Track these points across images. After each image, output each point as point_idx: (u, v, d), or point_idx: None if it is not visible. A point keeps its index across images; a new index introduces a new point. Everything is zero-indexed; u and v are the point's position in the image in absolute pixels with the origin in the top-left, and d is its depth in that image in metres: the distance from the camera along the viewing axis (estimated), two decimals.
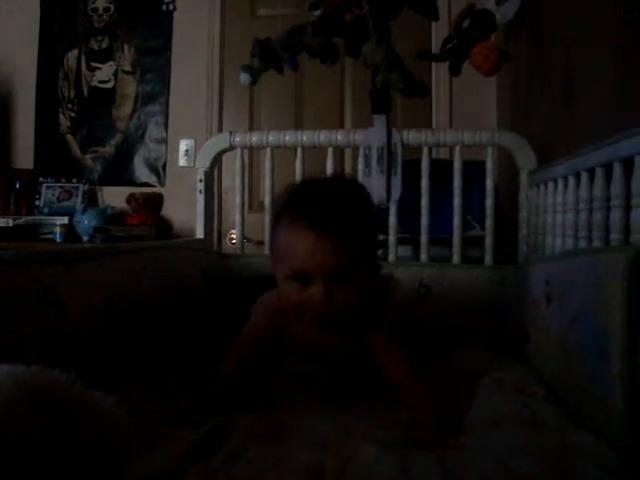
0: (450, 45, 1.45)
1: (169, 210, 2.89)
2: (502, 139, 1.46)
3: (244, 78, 1.52)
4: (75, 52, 2.99)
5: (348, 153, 2.56)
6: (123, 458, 0.51)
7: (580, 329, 0.77)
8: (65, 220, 2.67)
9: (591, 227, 1.03)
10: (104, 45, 2.97)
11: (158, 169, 2.91)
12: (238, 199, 1.61)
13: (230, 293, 1.34)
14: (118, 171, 2.94)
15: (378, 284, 0.99)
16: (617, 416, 0.64)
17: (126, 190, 2.85)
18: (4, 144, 3.00)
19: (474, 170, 1.56)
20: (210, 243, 1.69)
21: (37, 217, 2.78)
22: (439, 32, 2.40)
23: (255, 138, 1.59)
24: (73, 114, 2.98)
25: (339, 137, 1.53)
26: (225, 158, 1.76)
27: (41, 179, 2.92)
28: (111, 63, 2.96)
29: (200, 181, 1.62)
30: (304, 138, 1.54)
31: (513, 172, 1.54)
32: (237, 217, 1.61)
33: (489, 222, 1.45)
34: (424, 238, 1.47)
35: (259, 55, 1.49)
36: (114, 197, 2.88)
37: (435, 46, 2.39)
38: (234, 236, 2.03)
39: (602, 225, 0.99)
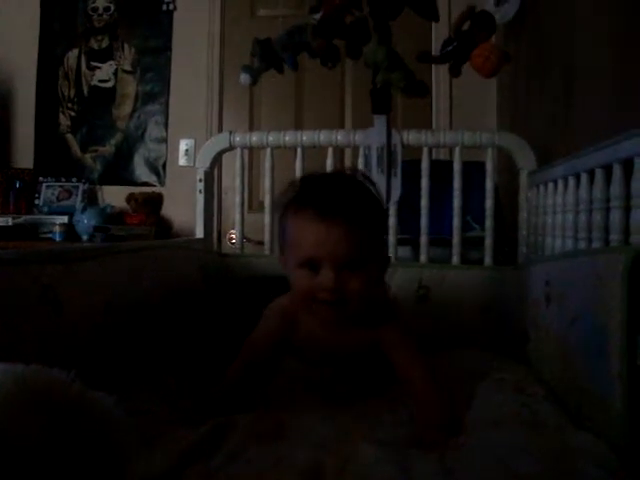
0: (450, 47, 1.45)
1: (169, 210, 2.88)
2: (502, 140, 1.46)
3: (244, 78, 1.52)
4: (75, 51, 2.99)
5: (348, 153, 2.55)
6: (123, 458, 0.51)
7: (580, 329, 0.77)
8: (65, 219, 2.67)
9: (591, 228, 1.03)
10: (104, 45, 2.97)
11: (158, 169, 2.91)
12: (238, 199, 1.61)
13: (230, 293, 1.34)
14: (118, 170, 2.94)
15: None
16: (616, 416, 0.64)
17: (126, 189, 2.85)
18: (4, 143, 2.99)
19: (474, 171, 1.56)
20: (210, 243, 1.69)
21: (37, 216, 2.78)
22: (439, 33, 2.40)
23: (255, 138, 1.59)
24: (73, 113, 2.98)
25: (339, 137, 1.53)
26: (225, 158, 1.76)
27: (41, 178, 2.92)
28: (111, 62, 2.96)
29: (200, 181, 1.63)
30: (304, 138, 1.54)
31: (513, 173, 1.54)
32: (237, 217, 1.61)
33: (489, 223, 1.45)
34: (424, 239, 1.47)
35: (259, 55, 1.49)
36: (114, 196, 2.88)
37: (435, 47, 2.39)
38: (234, 236, 2.04)
39: (602, 226, 0.99)
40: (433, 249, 1.48)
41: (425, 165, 1.47)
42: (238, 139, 1.59)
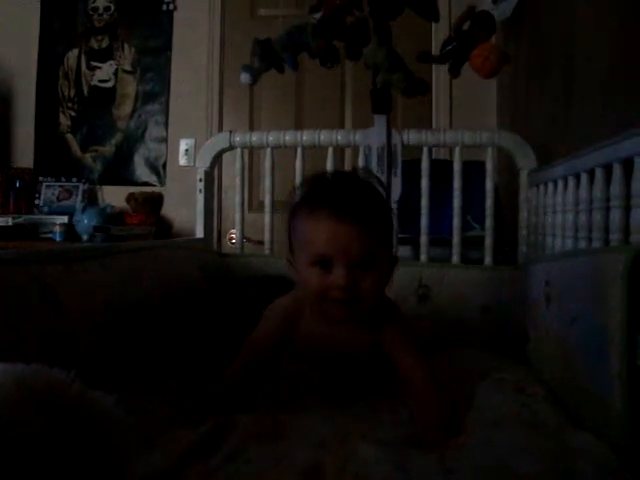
0: (450, 47, 1.45)
1: (169, 209, 2.89)
2: (502, 139, 1.46)
3: (244, 78, 1.52)
4: (75, 51, 2.99)
5: (348, 153, 2.56)
6: (123, 458, 0.51)
7: (580, 329, 0.77)
8: (65, 219, 2.67)
9: (591, 227, 1.03)
10: (104, 44, 2.97)
11: (158, 168, 2.91)
12: (238, 199, 1.61)
13: (230, 292, 1.34)
14: (118, 170, 2.94)
15: None
16: (616, 416, 0.64)
17: (126, 189, 2.85)
18: (4, 143, 3.00)
19: (474, 170, 1.56)
20: (210, 243, 1.69)
21: (37, 216, 2.78)
22: (439, 33, 2.40)
23: (255, 138, 1.59)
24: (73, 113, 2.98)
25: (339, 137, 1.53)
26: (225, 158, 1.76)
27: (41, 178, 2.92)
28: (111, 62, 2.96)
29: (200, 181, 1.63)
30: (304, 138, 1.54)
31: (513, 172, 1.54)
32: (237, 217, 1.61)
33: (489, 222, 1.45)
34: (424, 238, 1.47)
35: (259, 55, 1.49)
36: (114, 196, 2.88)
37: (435, 47, 2.39)
38: (234, 236, 2.04)
39: (602, 225, 0.99)
40: (433, 249, 1.48)
41: (425, 165, 1.48)
42: (238, 139, 1.60)
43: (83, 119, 2.97)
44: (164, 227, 2.83)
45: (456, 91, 2.60)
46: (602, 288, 0.69)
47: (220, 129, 2.79)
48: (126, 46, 2.95)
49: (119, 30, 2.96)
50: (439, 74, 2.57)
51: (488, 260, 1.44)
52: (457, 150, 1.47)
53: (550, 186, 1.29)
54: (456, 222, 1.45)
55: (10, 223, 2.66)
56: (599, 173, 1.00)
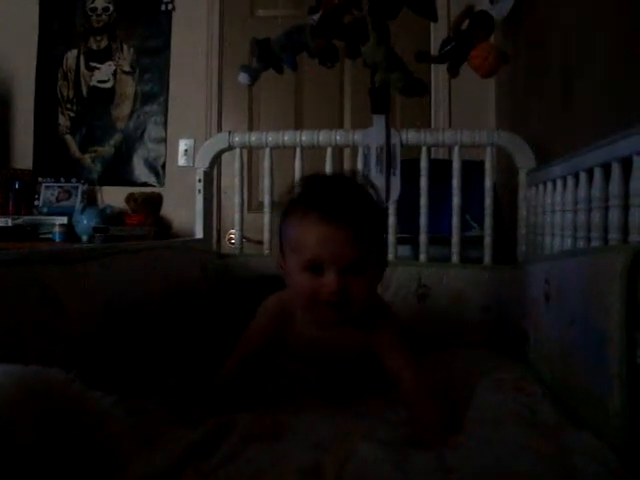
0: (449, 47, 1.45)
1: (168, 210, 2.89)
2: (501, 139, 1.46)
3: (243, 78, 1.52)
4: (74, 52, 2.99)
5: (347, 153, 2.56)
6: (122, 458, 0.51)
7: (579, 329, 0.77)
8: (64, 220, 2.67)
9: (590, 227, 1.03)
10: (103, 45, 2.97)
11: (157, 169, 2.91)
12: (237, 199, 1.61)
13: (230, 293, 1.34)
14: (117, 171, 2.94)
15: None
16: (615, 416, 0.64)
17: (125, 190, 2.85)
18: (3, 144, 2.99)
19: (473, 170, 1.56)
20: (209, 243, 1.69)
21: (36, 217, 2.78)
22: (438, 33, 2.40)
23: (254, 138, 1.59)
24: (72, 114, 2.98)
25: (338, 137, 1.53)
26: (224, 158, 1.76)
27: (40, 179, 2.92)
28: (110, 63, 2.96)
29: (199, 181, 1.63)
30: (303, 138, 1.54)
31: (512, 172, 1.54)
32: (236, 217, 1.61)
33: (488, 222, 1.45)
34: (423, 238, 1.47)
35: (257, 55, 1.49)
36: (113, 197, 2.88)
37: (434, 47, 2.40)
38: (233, 236, 2.04)
39: (601, 225, 0.99)
40: (432, 248, 1.49)
41: (424, 164, 1.48)
42: (237, 139, 1.60)
43: (82, 120, 2.97)
44: (163, 227, 2.83)
45: (455, 91, 2.61)
46: (601, 287, 0.69)
47: (219, 129, 2.79)
48: (125, 46, 2.95)
49: (118, 31, 2.96)
50: (438, 74, 2.58)
51: (487, 259, 1.45)
52: (456, 150, 1.47)
53: (549, 185, 1.29)
54: (455, 221, 1.46)
55: (10, 224, 2.66)
56: (598, 172, 1.00)
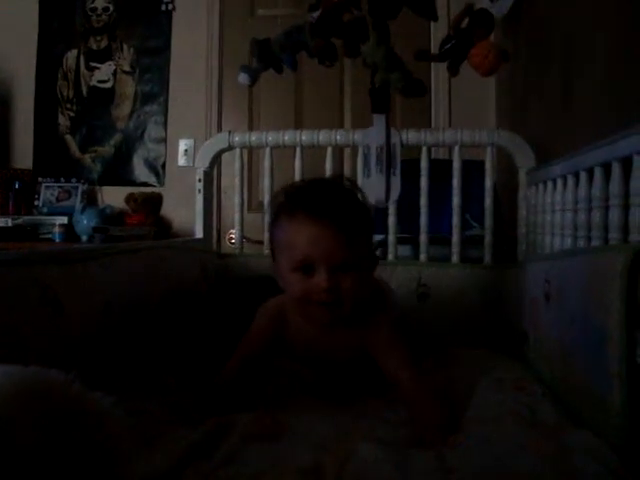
0: (449, 45, 1.45)
1: (168, 210, 2.89)
2: (501, 138, 1.46)
3: (243, 78, 1.52)
4: (74, 52, 2.99)
5: (347, 153, 2.55)
6: (122, 458, 0.51)
7: (579, 328, 0.77)
8: (64, 220, 2.67)
9: (590, 226, 1.03)
10: (103, 45, 2.97)
11: (157, 169, 2.91)
12: (237, 199, 1.61)
13: (230, 292, 1.34)
14: (117, 171, 2.94)
15: (374, 282, 0.99)
16: (616, 415, 0.64)
17: (125, 190, 2.85)
18: (3, 144, 2.99)
19: (473, 169, 1.56)
20: (209, 243, 1.69)
21: (36, 217, 2.78)
22: (438, 32, 2.40)
23: (254, 138, 1.59)
24: (72, 114, 2.98)
25: (338, 137, 1.53)
26: (224, 158, 1.76)
27: (40, 179, 2.92)
28: (110, 63, 2.96)
29: (199, 181, 1.63)
30: (303, 138, 1.54)
31: (512, 171, 1.54)
32: (236, 217, 1.61)
33: (488, 221, 1.45)
34: (423, 238, 1.47)
35: (257, 55, 1.49)
36: (113, 197, 2.88)
37: (434, 46, 2.39)
38: (233, 236, 2.04)
39: (601, 224, 0.99)
40: (432, 248, 1.48)
41: (424, 164, 1.48)
42: (237, 139, 1.60)
43: (82, 120, 2.97)
44: (163, 227, 2.83)
45: (455, 90, 2.60)
46: (601, 287, 0.69)
47: (219, 129, 2.79)
48: (125, 46, 2.95)
49: (118, 30, 2.96)
50: (438, 73, 2.57)
51: (487, 259, 1.45)
52: (456, 149, 1.47)
53: (549, 185, 1.29)
54: (455, 221, 1.46)
55: (9, 224, 2.66)
56: (598, 172, 1.00)
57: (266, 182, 1.59)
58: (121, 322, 0.97)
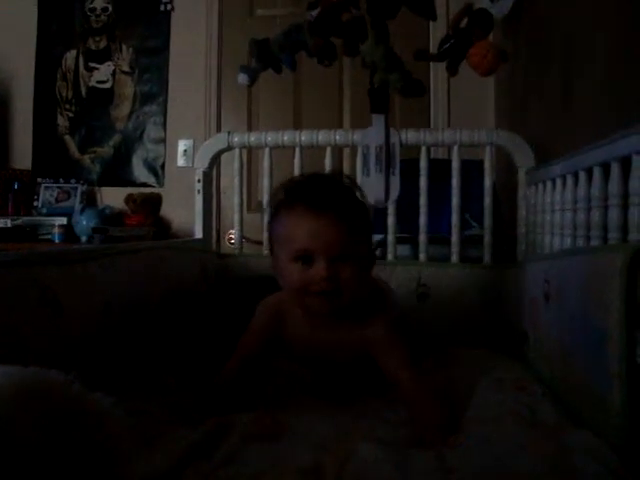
0: (448, 45, 1.45)
1: (168, 210, 2.88)
2: (500, 138, 1.46)
3: (242, 78, 1.52)
4: (73, 52, 2.99)
5: (346, 153, 2.55)
6: (122, 458, 0.51)
7: (578, 328, 0.77)
8: (64, 220, 2.67)
9: (589, 226, 1.03)
10: (102, 45, 2.97)
11: (156, 169, 2.91)
12: (236, 199, 1.61)
13: (229, 293, 1.34)
14: (116, 171, 2.94)
15: (372, 281, 0.99)
16: (616, 415, 0.64)
17: (125, 190, 2.85)
18: (2, 144, 2.99)
19: (472, 169, 1.56)
20: (209, 243, 1.69)
21: (35, 218, 2.78)
22: (437, 32, 2.40)
23: (253, 138, 1.59)
24: (71, 114, 2.98)
25: (337, 137, 1.53)
26: (223, 158, 1.76)
27: (39, 179, 2.92)
28: (109, 63, 2.96)
29: (198, 181, 1.63)
30: (302, 138, 1.54)
31: (511, 171, 1.54)
32: (236, 217, 1.61)
33: (487, 221, 1.45)
34: (423, 237, 1.47)
35: (256, 55, 1.49)
36: (113, 197, 2.88)
37: (433, 46, 2.39)
38: (233, 236, 2.04)
39: (600, 224, 0.99)
40: (432, 247, 1.49)
41: (423, 164, 1.48)
42: (236, 139, 1.59)
43: (81, 120, 2.97)
44: (163, 228, 2.83)
45: (454, 90, 2.60)
46: (601, 286, 0.69)
47: (218, 130, 2.79)
48: (124, 47, 2.95)
49: (117, 31, 2.95)
50: (437, 73, 2.57)
51: (487, 259, 1.45)
52: (455, 149, 1.47)
53: (548, 185, 1.29)
54: (455, 220, 1.46)
55: (9, 225, 2.66)
56: (597, 172, 1.00)
57: (265, 182, 1.59)
58: (121, 322, 0.97)
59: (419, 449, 0.68)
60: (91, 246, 2.19)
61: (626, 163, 0.89)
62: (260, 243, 1.62)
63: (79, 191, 2.87)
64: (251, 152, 2.62)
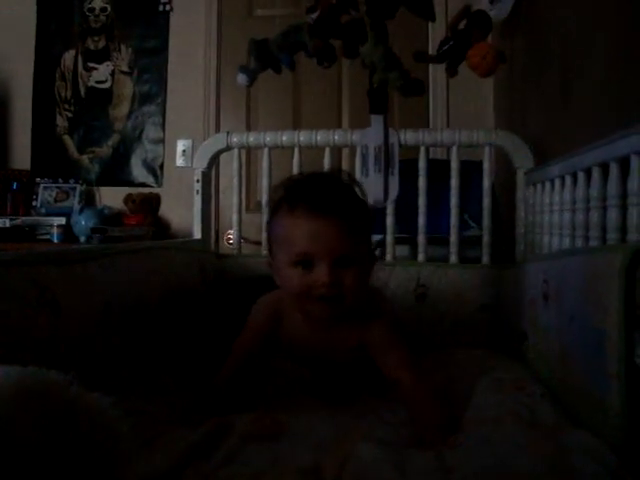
0: (447, 46, 1.45)
1: (166, 210, 2.88)
2: (499, 139, 1.46)
3: (241, 79, 1.52)
4: (72, 52, 2.99)
5: (345, 153, 2.55)
6: (122, 459, 0.51)
7: (577, 328, 0.77)
8: (62, 221, 2.67)
9: (588, 226, 1.04)
10: (101, 45, 2.97)
11: (155, 169, 2.91)
12: (235, 199, 1.61)
13: (228, 293, 1.34)
14: (115, 171, 2.94)
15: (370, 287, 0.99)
16: (614, 415, 0.64)
17: (123, 190, 2.85)
18: (1, 144, 2.99)
19: (471, 170, 1.56)
20: (207, 243, 1.69)
21: (34, 218, 2.77)
22: (436, 33, 2.40)
23: (252, 138, 1.59)
24: (70, 114, 2.98)
25: (336, 137, 1.53)
26: (222, 158, 1.76)
27: (38, 180, 2.91)
28: (108, 63, 2.96)
29: (197, 181, 1.62)
30: (301, 138, 1.54)
31: (510, 171, 1.54)
32: (234, 217, 1.61)
33: (486, 221, 1.45)
34: (421, 238, 1.47)
35: (255, 56, 1.49)
36: (111, 197, 2.87)
37: (432, 47, 2.40)
38: (231, 236, 2.04)
39: (599, 224, 0.99)
40: (431, 248, 1.49)
41: (422, 164, 1.48)
42: (235, 139, 1.59)
43: (80, 120, 2.97)
44: (162, 228, 2.83)
45: (453, 90, 2.60)
46: (600, 287, 0.69)
47: (217, 130, 2.79)
48: (123, 47, 2.94)
49: (116, 31, 2.95)
50: (436, 73, 2.57)
51: (485, 259, 1.45)
52: (454, 149, 1.48)
53: (547, 185, 1.29)
54: (453, 221, 1.46)
55: (7, 225, 2.65)
56: (596, 172, 1.00)
57: (264, 182, 1.59)
58: (120, 322, 0.97)
59: (419, 449, 0.68)
60: (90, 246, 2.19)
61: (625, 163, 0.90)
62: (259, 243, 1.62)
63: (78, 191, 2.87)
64: (250, 152, 2.62)
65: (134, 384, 0.88)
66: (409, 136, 1.49)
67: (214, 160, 1.65)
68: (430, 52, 1.98)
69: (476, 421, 0.77)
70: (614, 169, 0.93)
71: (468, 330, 1.34)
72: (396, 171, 1.49)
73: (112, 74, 2.95)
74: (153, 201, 2.85)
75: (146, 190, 2.87)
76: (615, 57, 1.17)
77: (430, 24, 2.45)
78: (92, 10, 2.97)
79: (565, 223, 1.15)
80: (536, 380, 0.95)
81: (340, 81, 2.76)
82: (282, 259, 0.85)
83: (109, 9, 2.96)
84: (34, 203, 2.87)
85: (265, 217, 1.58)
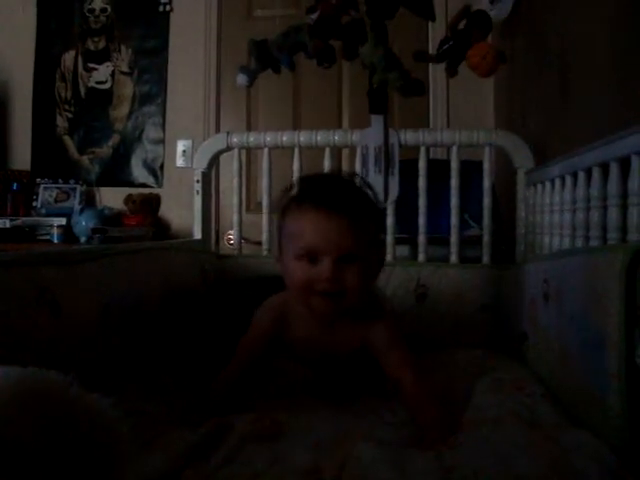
0: (447, 46, 1.45)
1: (167, 211, 2.88)
2: (499, 139, 1.46)
3: (241, 79, 1.52)
4: (72, 53, 2.99)
5: (346, 153, 2.55)
6: (121, 459, 0.51)
7: (578, 328, 0.77)
8: (62, 221, 2.67)
9: (588, 226, 1.04)
10: (101, 46, 2.97)
11: (155, 170, 2.91)
12: (235, 199, 1.61)
13: (228, 293, 1.34)
14: (115, 172, 2.94)
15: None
16: (615, 415, 0.64)
17: (124, 191, 2.85)
18: (1, 145, 2.99)
19: (471, 170, 1.56)
20: (208, 244, 1.69)
21: (34, 218, 2.77)
22: (436, 33, 2.40)
23: (252, 138, 1.59)
24: (70, 115, 2.98)
25: (336, 137, 1.53)
26: (222, 158, 1.76)
27: (38, 180, 2.91)
28: (108, 64, 2.96)
29: (197, 182, 1.63)
30: (301, 138, 1.54)
31: (510, 171, 1.54)
32: (235, 217, 1.61)
33: (486, 221, 1.45)
34: (422, 238, 1.47)
35: (255, 56, 1.49)
36: (112, 198, 2.87)
37: (432, 47, 2.40)
38: (232, 236, 2.04)
39: (599, 224, 0.99)
40: (431, 248, 1.49)
41: (422, 164, 1.48)
42: (235, 140, 1.59)
43: (80, 121, 2.97)
44: (162, 228, 2.83)
45: (453, 90, 2.60)
46: (600, 287, 0.69)
47: (217, 130, 2.79)
48: (123, 47, 2.94)
49: (116, 31, 2.95)
50: (436, 73, 2.57)
51: (486, 259, 1.45)
52: (454, 149, 1.47)
53: (547, 185, 1.29)
54: (454, 221, 1.46)
55: (8, 225, 2.65)
56: (596, 172, 1.00)
57: (264, 183, 1.59)
58: (120, 323, 0.97)
59: (419, 449, 0.68)
60: (90, 246, 2.19)
61: (625, 163, 0.90)
62: (259, 244, 1.62)
63: (78, 191, 2.87)
64: (250, 152, 2.62)
65: (134, 385, 0.88)
66: (409, 136, 1.49)
67: (214, 160, 1.65)
68: (430, 52, 1.97)
69: (476, 421, 0.77)
70: (614, 169, 0.93)
71: (468, 330, 1.34)
72: (396, 171, 1.49)
73: (112, 74, 2.95)
74: (153, 201, 2.85)
75: (146, 190, 2.87)
76: (615, 57, 1.17)
77: (430, 24, 2.45)
78: (92, 11, 2.97)
79: (565, 223, 1.15)
80: (536, 380, 0.95)
81: (340, 81, 2.76)
82: (288, 253, 0.86)
83: (109, 10, 2.96)
84: (34, 203, 2.87)
85: (265, 218, 1.58)
